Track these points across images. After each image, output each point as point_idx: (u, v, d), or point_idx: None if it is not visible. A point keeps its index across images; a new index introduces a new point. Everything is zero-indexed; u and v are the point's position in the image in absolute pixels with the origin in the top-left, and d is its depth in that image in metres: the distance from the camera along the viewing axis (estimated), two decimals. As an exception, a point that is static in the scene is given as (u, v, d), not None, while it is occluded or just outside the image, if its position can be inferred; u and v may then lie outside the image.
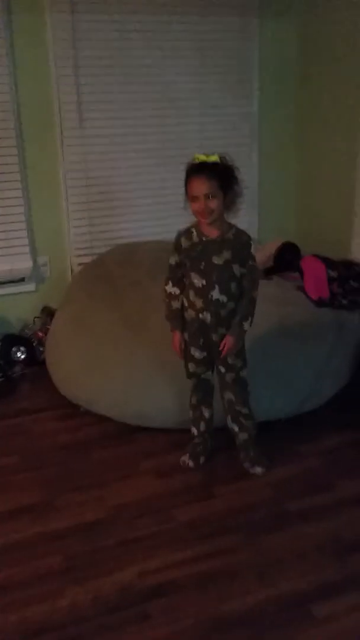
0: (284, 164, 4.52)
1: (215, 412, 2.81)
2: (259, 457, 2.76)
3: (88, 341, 3.29)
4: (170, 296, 2.67)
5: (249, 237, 2.58)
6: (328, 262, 3.33)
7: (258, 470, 2.72)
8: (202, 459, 2.80)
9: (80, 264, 4.09)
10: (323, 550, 2.24)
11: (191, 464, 2.78)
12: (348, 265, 3.38)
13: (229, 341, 2.56)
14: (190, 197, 2.45)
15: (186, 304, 2.64)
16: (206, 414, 2.80)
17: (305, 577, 2.12)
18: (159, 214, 4.17)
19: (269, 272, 3.70)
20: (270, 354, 2.99)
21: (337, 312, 3.27)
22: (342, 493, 2.57)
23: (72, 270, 4.12)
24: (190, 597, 2.05)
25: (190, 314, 2.63)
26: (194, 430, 2.83)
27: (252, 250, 2.58)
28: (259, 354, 2.88)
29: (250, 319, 2.58)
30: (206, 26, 4.05)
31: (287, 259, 3.94)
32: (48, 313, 3.98)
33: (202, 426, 2.81)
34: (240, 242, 2.54)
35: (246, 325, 2.58)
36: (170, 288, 2.66)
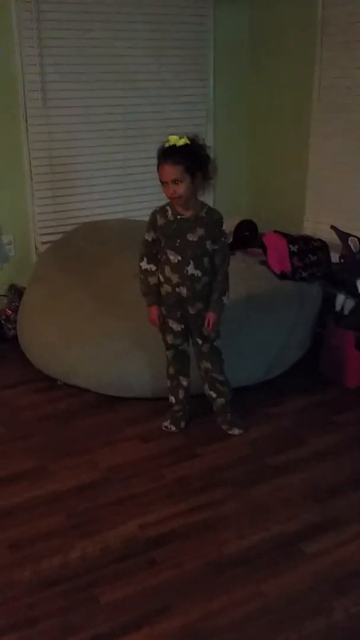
0: (238, 144, 4.71)
1: (192, 380, 2.99)
2: (235, 420, 2.96)
3: (63, 316, 3.39)
4: (147, 272, 2.79)
5: (220, 216, 2.74)
6: (289, 238, 3.54)
7: (236, 431, 2.93)
8: (182, 424, 2.98)
9: (44, 243, 4.15)
10: (304, 497, 2.48)
11: (173, 428, 2.96)
12: (306, 240, 3.61)
13: (212, 317, 2.74)
14: (160, 182, 2.59)
15: (162, 280, 2.77)
16: (184, 382, 2.98)
17: (292, 520, 2.35)
18: (121, 192, 4.27)
19: (230, 248, 3.89)
20: (240, 325, 3.19)
21: (298, 285, 3.49)
22: (313, 447, 2.82)
23: (36, 249, 4.19)
24: (191, 544, 2.24)
25: (166, 288, 2.77)
26: (172, 399, 3.00)
27: (224, 227, 2.76)
28: (230, 326, 3.05)
29: (227, 293, 2.77)
30: (162, 9, 4.19)
31: (246, 235, 4.16)
32: (15, 291, 4.04)
33: (181, 394, 2.99)
34: (212, 220, 2.70)
35: (225, 299, 2.76)
36: (146, 265, 2.79)
